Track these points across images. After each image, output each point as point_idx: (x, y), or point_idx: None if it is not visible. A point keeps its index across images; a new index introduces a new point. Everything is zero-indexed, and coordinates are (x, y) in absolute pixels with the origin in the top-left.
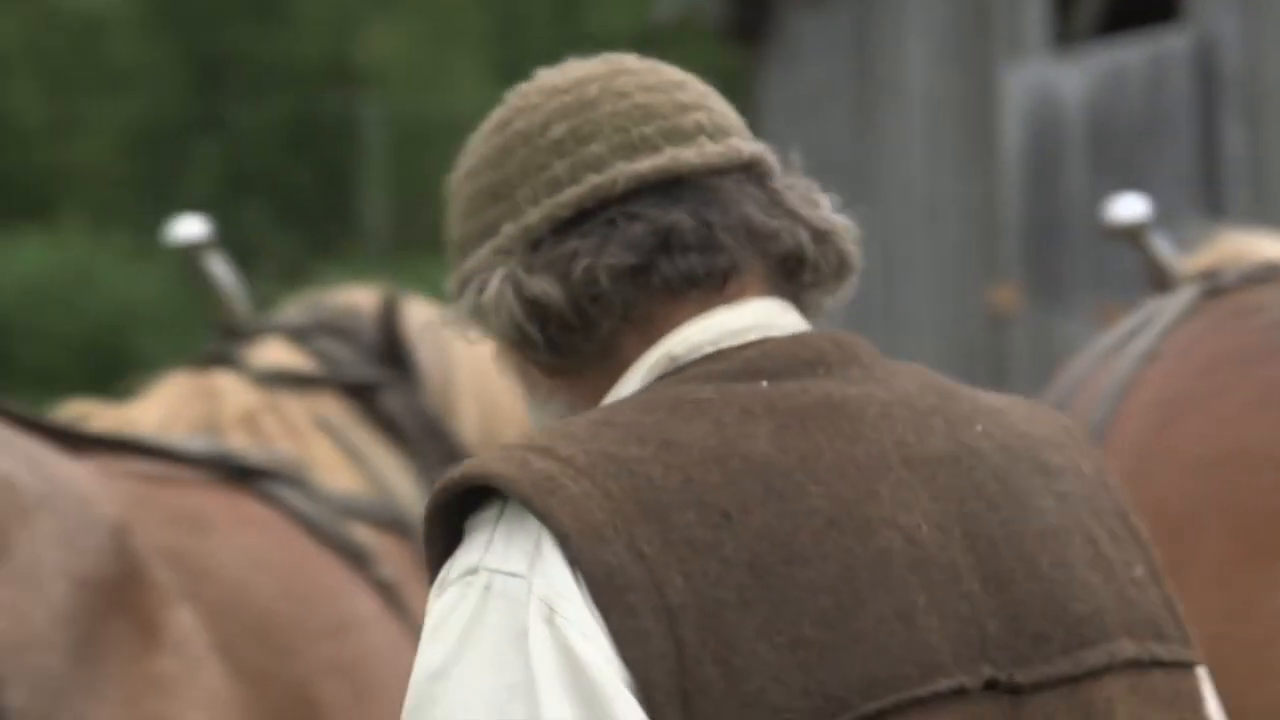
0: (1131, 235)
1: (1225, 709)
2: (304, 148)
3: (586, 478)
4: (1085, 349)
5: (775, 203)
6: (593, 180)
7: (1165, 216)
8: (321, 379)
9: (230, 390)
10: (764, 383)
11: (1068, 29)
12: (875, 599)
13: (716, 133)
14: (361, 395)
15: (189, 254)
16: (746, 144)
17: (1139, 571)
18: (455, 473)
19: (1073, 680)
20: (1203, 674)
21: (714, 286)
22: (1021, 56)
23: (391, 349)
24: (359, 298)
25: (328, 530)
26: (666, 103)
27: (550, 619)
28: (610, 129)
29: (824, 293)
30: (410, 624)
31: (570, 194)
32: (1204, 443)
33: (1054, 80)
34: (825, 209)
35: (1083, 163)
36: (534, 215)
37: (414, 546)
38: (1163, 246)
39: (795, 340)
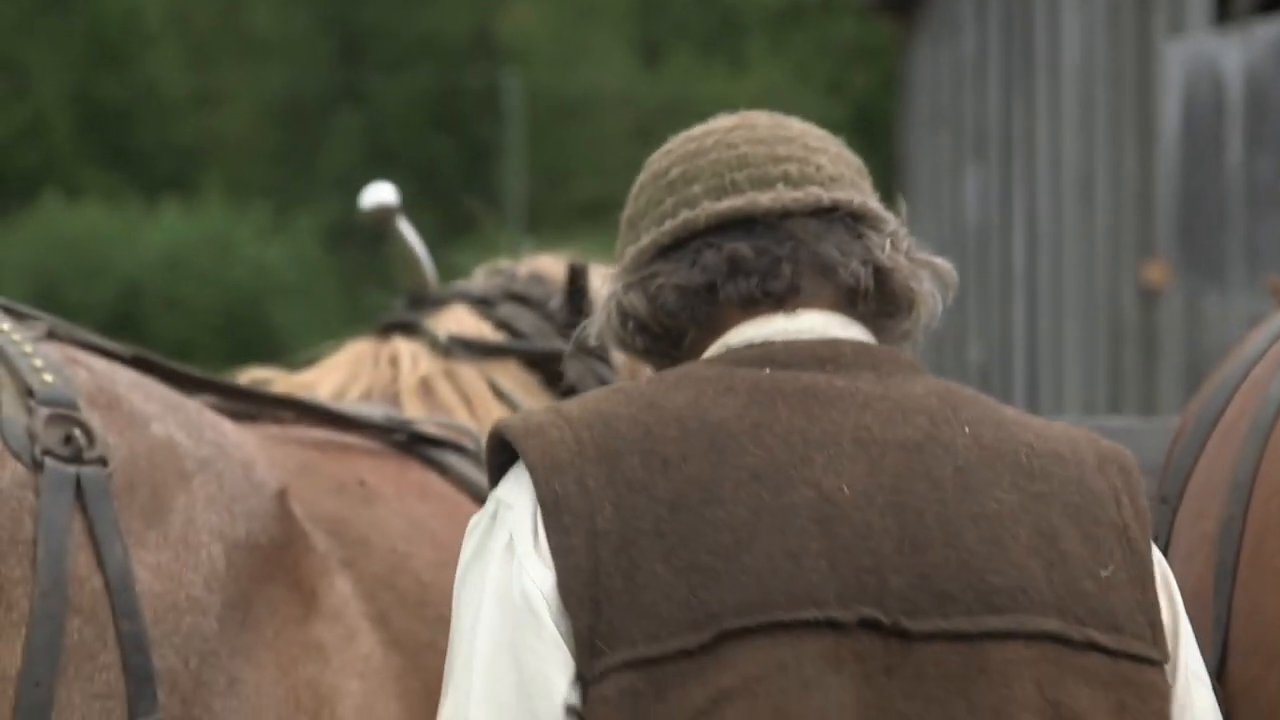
0: None
1: None
2: (444, 122)
3: (569, 427)
4: (1265, 322)
5: (853, 241)
6: (685, 215)
7: None
8: (503, 347)
9: (409, 357)
10: (767, 370)
11: (1229, 4)
12: (770, 540)
13: (802, 180)
14: (544, 365)
15: (382, 220)
16: (829, 192)
17: (1108, 572)
18: (494, 425)
19: (970, 637)
20: (1180, 675)
21: (774, 303)
22: (1181, 30)
23: (577, 318)
24: (547, 265)
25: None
26: (763, 154)
27: (510, 544)
28: (709, 174)
29: (896, 321)
30: None
31: (669, 226)
32: None
33: (1214, 54)
34: (903, 251)
35: (1241, 138)
36: (645, 241)
37: None
38: None
39: (824, 342)
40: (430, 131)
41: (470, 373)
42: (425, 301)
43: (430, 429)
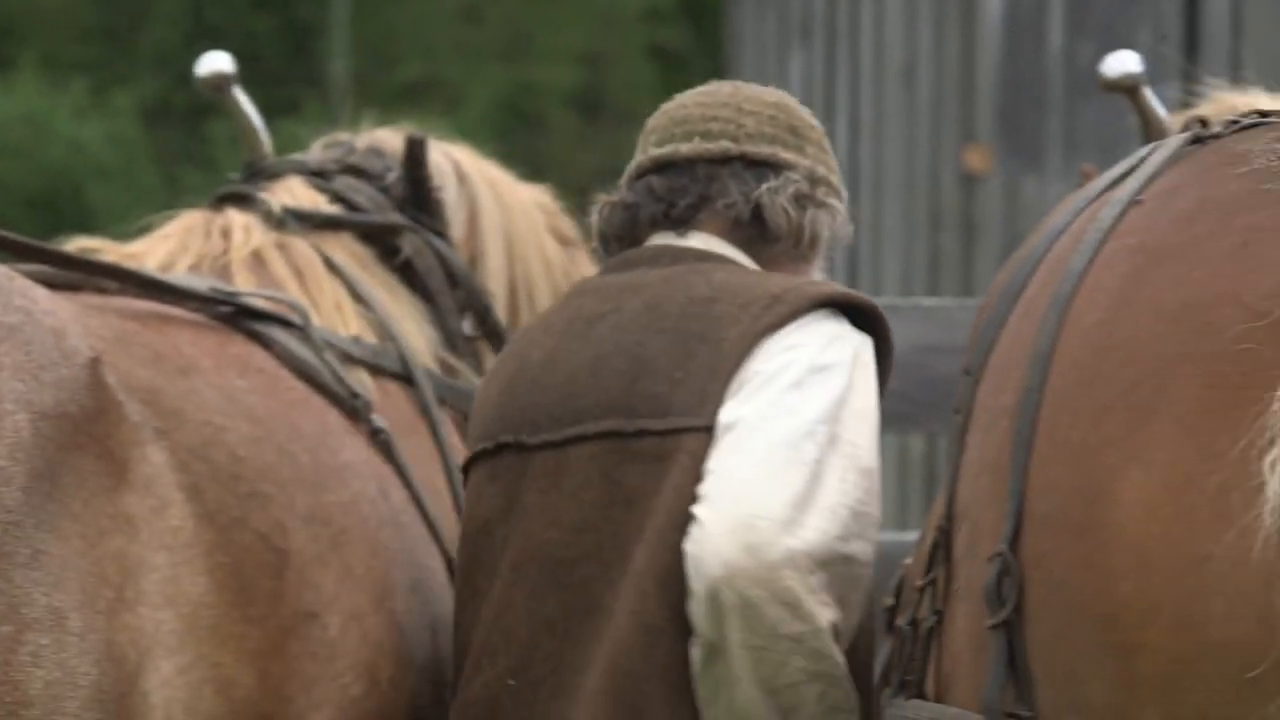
0: (1125, 89)
1: (1189, 554)
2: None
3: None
4: (1070, 196)
5: (744, 183)
6: (639, 158)
7: (1149, 80)
8: (338, 219)
9: (241, 229)
10: (620, 271)
11: None
12: (500, 393)
13: (719, 136)
14: (379, 238)
15: (218, 87)
16: (740, 146)
17: (681, 373)
18: None
19: (558, 444)
20: (719, 431)
21: (671, 225)
22: None
23: (415, 192)
24: (385, 138)
25: (322, 376)
26: (699, 114)
27: None
28: (663, 128)
29: (770, 245)
30: (403, 473)
31: (631, 165)
32: (1179, 289)
33: None
34: (788, 194)
35: (1062, 25)
36: (623, 176)
37: (418, 394)
38: (1154, 103)
39: (659, 248)
40: (253, 10)
41: (303, 246)
42: (260, 173)
43: (257, 303)
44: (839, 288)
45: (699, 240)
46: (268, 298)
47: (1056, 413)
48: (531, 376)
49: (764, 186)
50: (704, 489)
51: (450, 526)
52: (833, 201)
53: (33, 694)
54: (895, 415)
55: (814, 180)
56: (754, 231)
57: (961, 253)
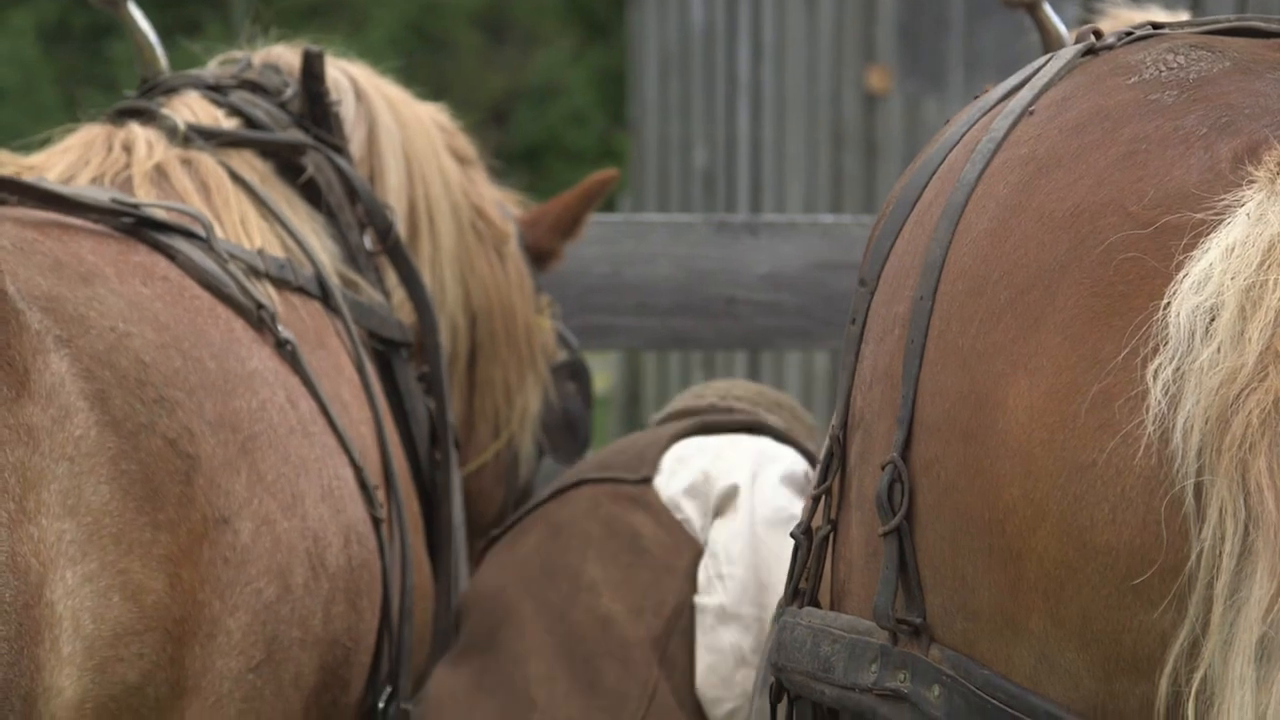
0: (1025, 6)
1: (1074, 461)
2: None
3: None
4: (966, 108)
5: None
6: None
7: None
8: (243, 136)
9: (144, 143)
10: None
11: None
12: None
13: (729, 398)
14: (280, 154)
15: (112, 2)
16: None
17: None
18: None
19: None
20: None
21: None
22: None
23: (313, 107)
24: (281, 55)
25: (226, 287)
26: (728, 388)
27: None
28: None
29: None
30: (310, 384)
31: None
32: (1066, 198)
33: None
34: None
35: None
36: None
37: (321, 307)
38: (1054, 19)
39: None
40: None
41: (207, 160)
42: (156, 88)
43: (160, 214)
44: None
45: None
46: (170, 209)
47: (947, 321)
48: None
49: None
50: None
51: (358, 438)
52: None
53: None
54: (797, 332)
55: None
56: None
57: (863, 172)
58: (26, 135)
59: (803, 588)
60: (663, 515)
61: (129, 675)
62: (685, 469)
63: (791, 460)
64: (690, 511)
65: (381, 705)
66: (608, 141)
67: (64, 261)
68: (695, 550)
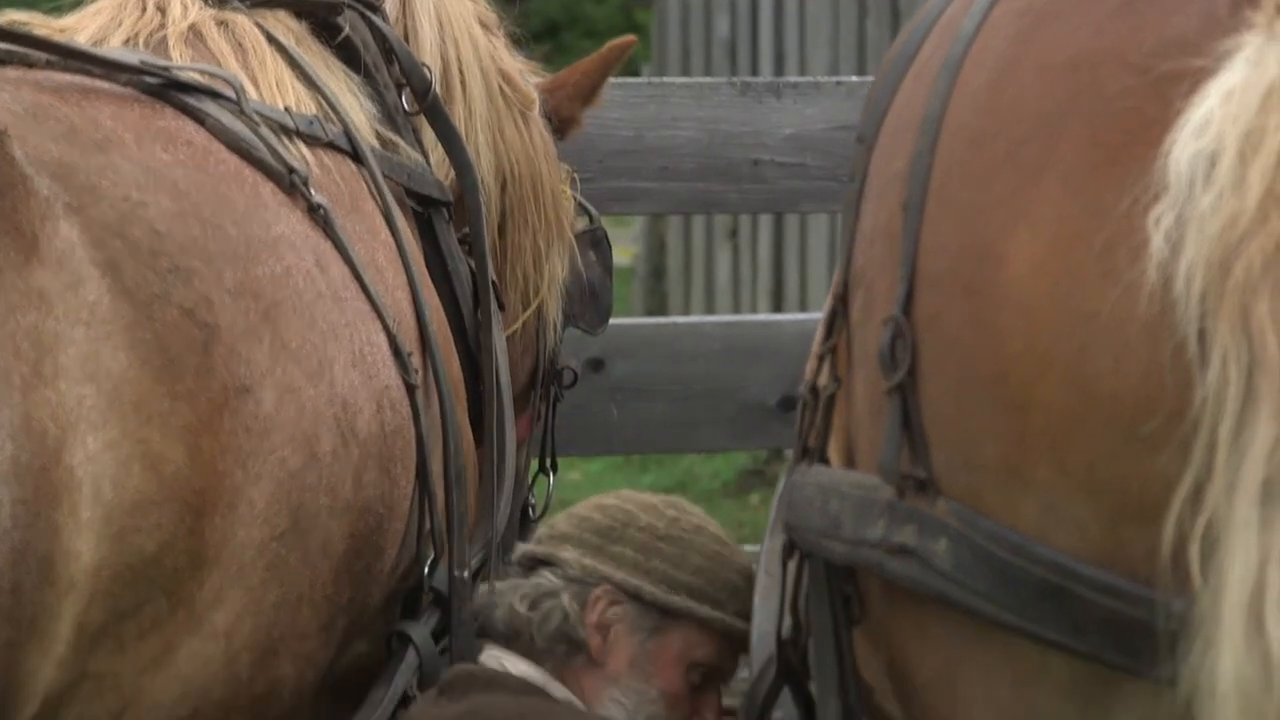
0: None
1: (1076, 310)
2: None
3: None
4: None
5: (507, 594)
6: None
7: None
8: None
9: (178, 4)
10: (448, 696)
11: None
12: None
13: (544, 539)
14: (315, 14)
15: None
16: (535, 546)
17: None
18: None
19: None
20: None
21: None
22: None
23: None
24: None
25: (255, 150)
26: (564, 518)
27: None
28: None
29: (531, 650)
30: (342, 248)
31: None
32: (1064, 48)
33: None
34: (520, 603)
35: None
36: None
37: (358, 168)
38: None
39: (471, 674)
40: None
41: (243, 21)
42: None
43: (189, 76)
44: None
45: (493, 657)
46: (201, 71)
47: (946, 175)
48: None
49: (507, 586)
50: None
51: (393, 303)
52: (564, 600)
53: None
54: (821, 194)
55: (564, 580)
56: (510, 639)
57: (888, 38)
58: None
59: (811, 446)
60: None
61: (146, 545)
62: None
63: None
64: None
65: (426, 572)
66: (628, 16)
67: (79, 128)
68: None
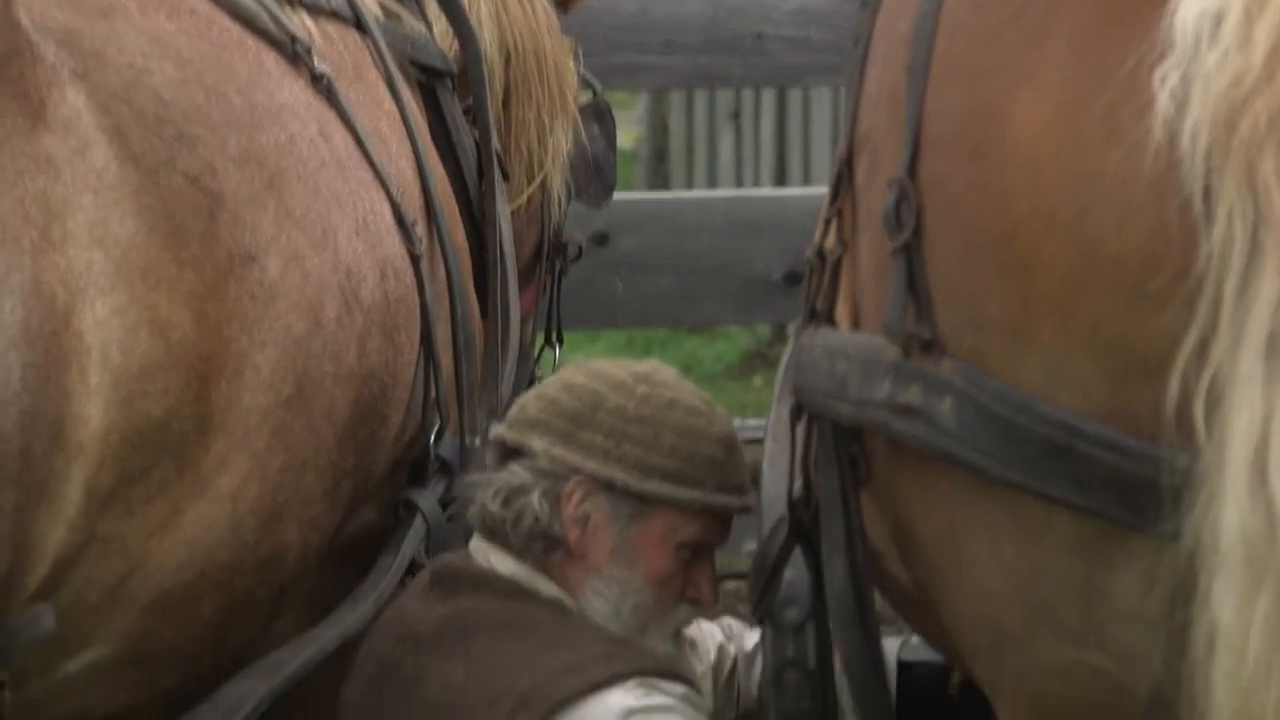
0: None
1: (1081, 171)
2: None
3: None
4: None
5: (482, 489)
6: None
7: None
8: None
9: None
10: (430, 590)
11: None
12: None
13: (513, 424)
14: None
15: None
16: (504, 431)
17: None
18: None
19: None
20: None
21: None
22: None
23: None
24: None
25: (258, 19)
26: (532, 399)
27: None
28: None
29: (511, 546)
30: (345, 117)
31: None
32: None
33: None
34: (494, 500)
35: None
36: None
37: (362, 38)
38: None
39: (451, 570)
40: None
41: None
42: None
43: None
44: (595, 673)
45: (479, 549)
46: None
47: (951, 38)
48: (349, 713)
49: (480, 480)
50: None
51: (397, 173)
52: (533, 500)
53: None
54: (826, 68)
55: (536, 474)
56: (501, 536)
57: None
58: None
59: (818, 309)
60: None
61: (154, 410)
62: None
63: None
64: None
65: (432, 441)
66: None
67: None
68: None
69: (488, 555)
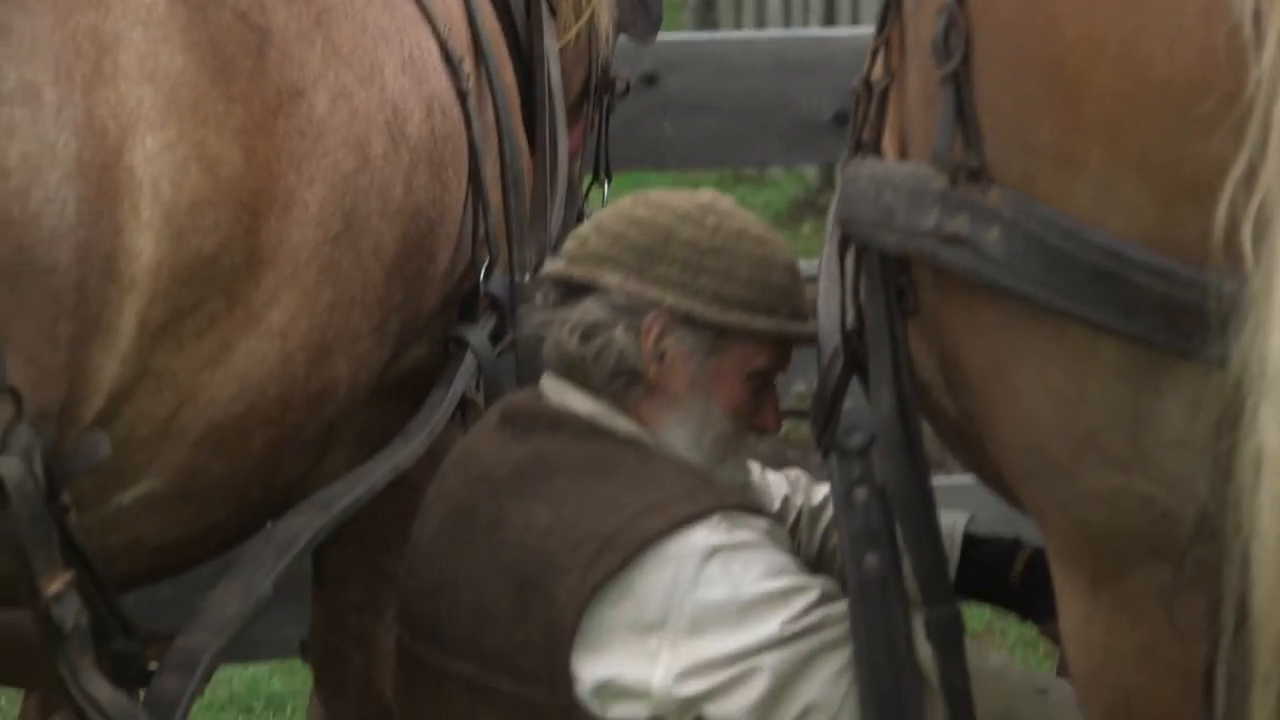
0: None
1: None
2: None
3: None
4: None
5: (557, 326)
6: None
7: None
8: None
9: None
10: (500, 430)
11: None
12: (410, 563)
13: (577, 258)
14: None
15: None
16: (564, 268)
17: (521, 633)
18: None
19: (432, 661)
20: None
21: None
22: None
23: None
24: None
25: None
26: (591, 232)
27: None
28: None
29: (590, 384)
30: None
31: None
32: None
33: None
34: (570, 337)
35: None
36: None
37: None
38: None
39: (524, 407)
40: None
41: None
42: None
43: None
44: (678, 511)
45: (553, 388)
46: None
47: None
48: (416, 564)
49: (554, 316)
50: None
51: (443, 9)
52: (618, 335)
53: (10, 165)
54: None
55: (614, 311)
56: (579, 374)
57: None
58: None
59: (865, 140)
60: None
61: (204, 245)
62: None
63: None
64: None
65: (483, 277)
66: None
67: None
68: None
69: (563, 394)
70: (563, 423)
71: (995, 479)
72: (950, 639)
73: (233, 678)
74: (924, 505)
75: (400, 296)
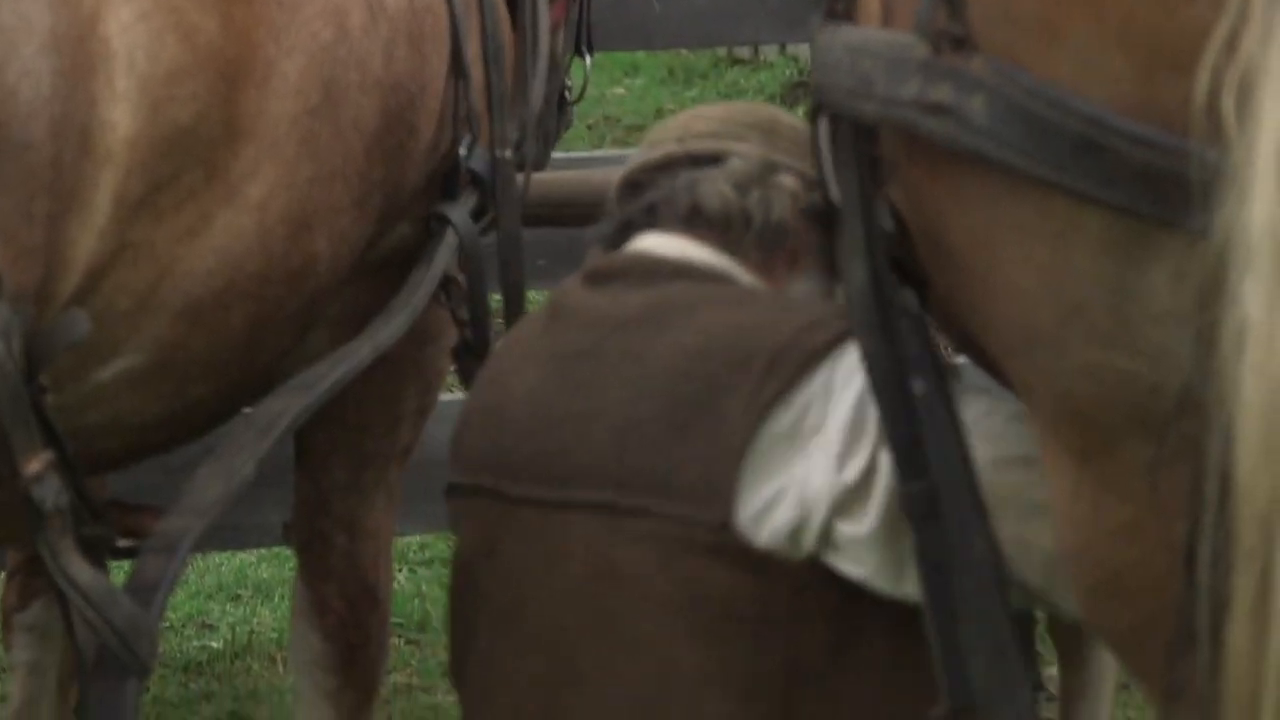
0: None
1: None
2: None
3: None
4: None
5: (689, 179)
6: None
7: None
8: None
9: None
10: (596, 287)
11: None
12: (489, 429)
13: (665, 141)
14: None
15: None
16: (684, 146)
17: (683, 452)
18: None
19: (543, 504)
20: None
21: (642, 226)
22: None
23: None
24: None
25: None
26: (688, 122)
27: None
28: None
29: (730, 235)
30: None
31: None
32: None
33: None
34: (732, 181)
35: None
36: None
37: None
38: None
39: (630, 259)
40: None
41: None
42: None
43: None
44: (837, 324)
45: (671, 245)
46: None
47: None
48: (512, 414)
49: (706, 179)
50: None
51: None
52: (787, 182)
53: None
54: None
55: (765, 165)
56: (706, 227)
57: None
58: None
59: (838, 8)
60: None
61: (181, 115)
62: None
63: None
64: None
65: (464, 153)
66: None
67: None
68: None
69: (684, 249)
70: (687, 271)
71: (979, 354)
72: (926, 512)
73: (220, 566)
74: (897, 379)
75: (381, 171)
